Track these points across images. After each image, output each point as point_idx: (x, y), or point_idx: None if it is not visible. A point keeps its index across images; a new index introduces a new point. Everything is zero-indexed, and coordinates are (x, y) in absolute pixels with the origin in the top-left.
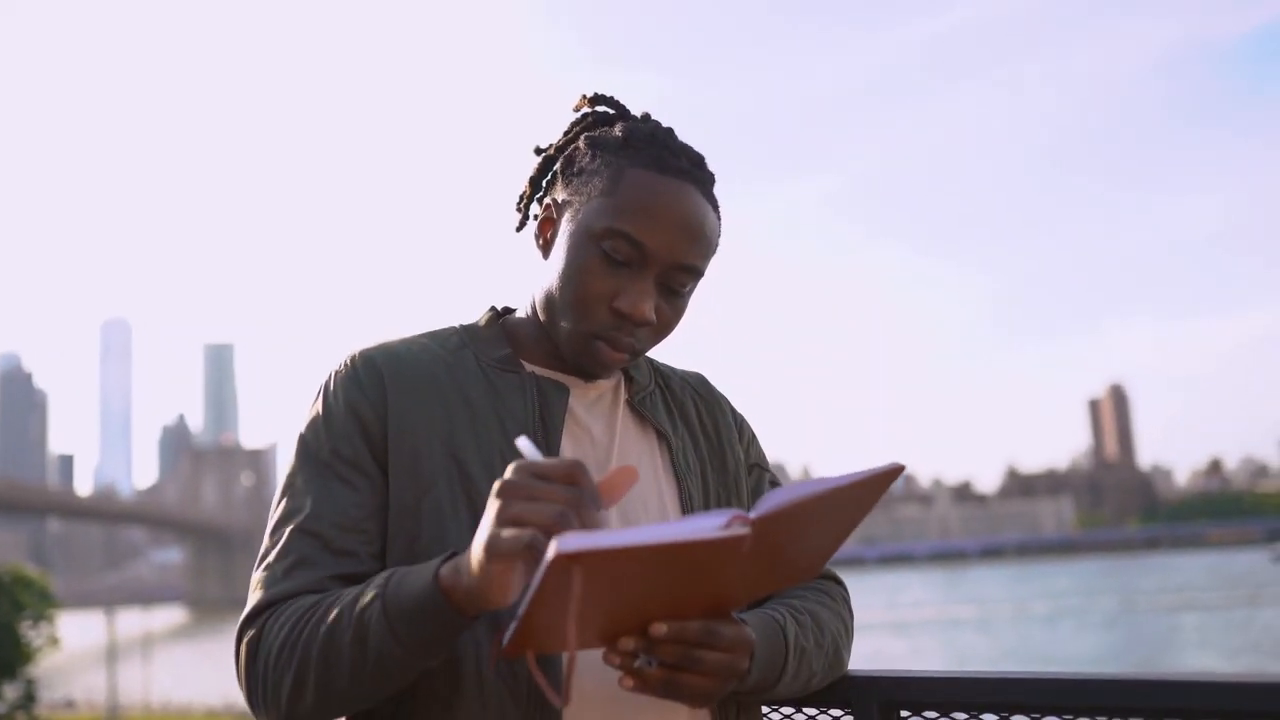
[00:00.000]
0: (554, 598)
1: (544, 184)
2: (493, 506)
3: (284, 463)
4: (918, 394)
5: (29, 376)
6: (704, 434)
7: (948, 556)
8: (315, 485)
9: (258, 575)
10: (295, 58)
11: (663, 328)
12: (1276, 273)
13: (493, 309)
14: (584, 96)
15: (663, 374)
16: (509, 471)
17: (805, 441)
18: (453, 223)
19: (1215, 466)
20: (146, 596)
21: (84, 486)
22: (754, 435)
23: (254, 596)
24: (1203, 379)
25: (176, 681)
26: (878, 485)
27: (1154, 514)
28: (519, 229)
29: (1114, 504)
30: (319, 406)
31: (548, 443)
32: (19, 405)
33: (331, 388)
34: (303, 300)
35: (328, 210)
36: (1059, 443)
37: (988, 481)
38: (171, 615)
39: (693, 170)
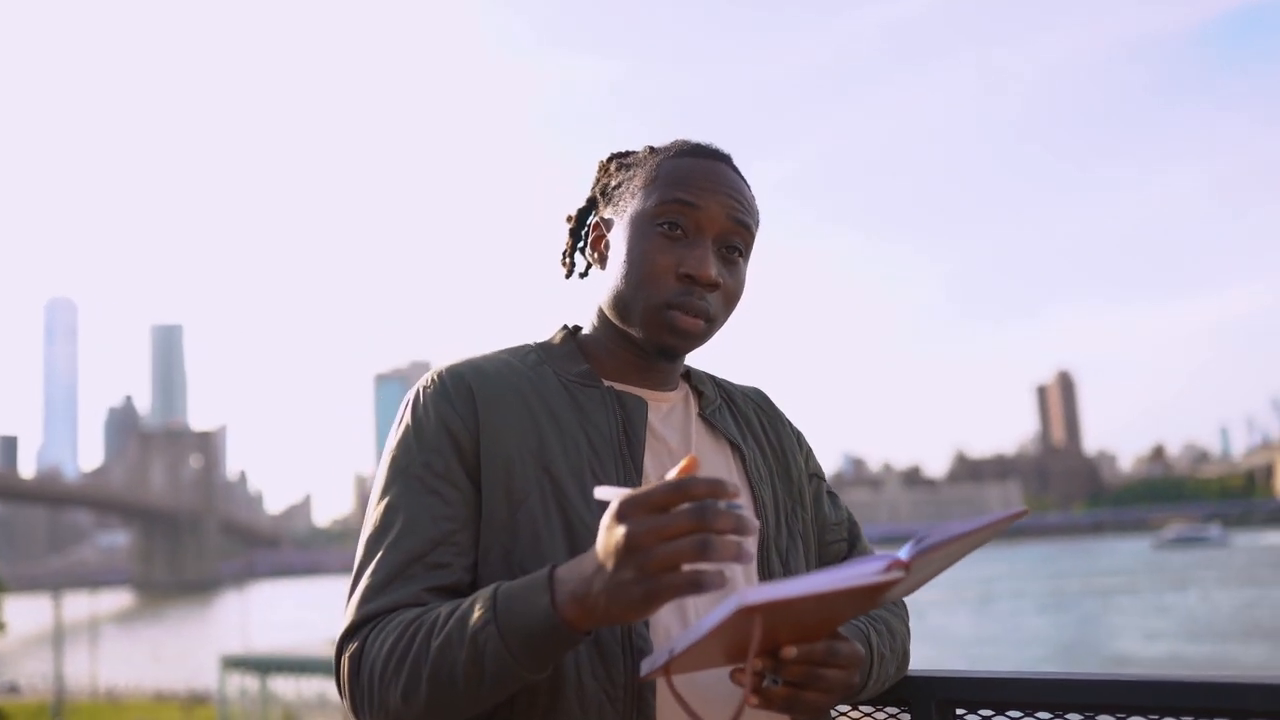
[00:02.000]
0: (724, 635)
1: (581, 233)
2: (631, 557)
3: (375, 476)
4: (869, 378)
5: None
6: (769, 445)
7: (896, 540)
8: (407, 500)
9: (357, 590)
10: (237, 34)
11: (729, 295)
12: (1221, 262)
13: (564, 327)
14: (600, 162)
15: (726, 389)
16: (628, 520)
17: None
18: (398, 203)
19: (1158, 453)
20: (92, 580)
21: (28, 468)
22: (810, 447)
23: (352, 610)
24: (1147, 366)
25: (123, 666)
26: (1003, 526)
27: (1099, 499)
28: (569, 276)
29: (1060, 489)
30: (408, 421)
31: (632, 454)
32: None
33: (421, 403)
34: (254, 282)
35: (277, 191)
36: (1007, 428)
37: (937, 466)
38: (118, 599)
39: (722, 154)
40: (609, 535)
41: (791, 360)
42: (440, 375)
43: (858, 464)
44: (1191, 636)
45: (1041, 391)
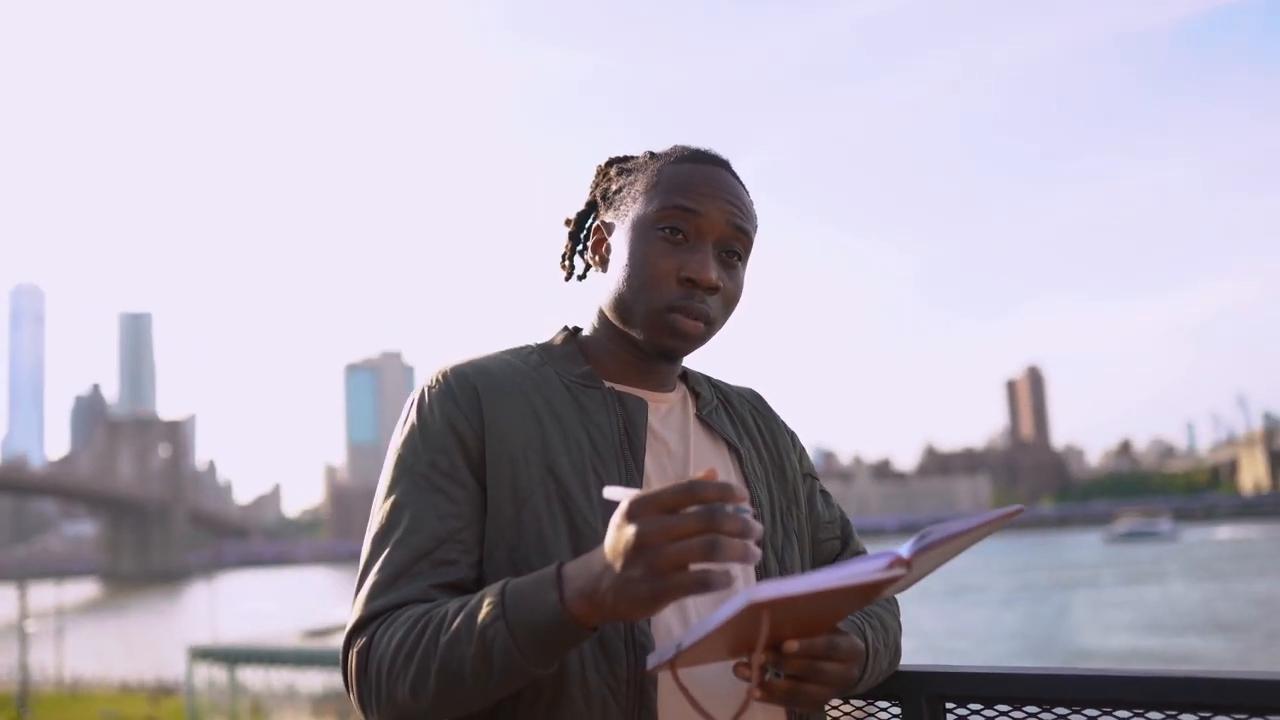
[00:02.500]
0: (731, 631)
1: (580, 236)
2: (641, 555)
3: (382, 473)
4: (840, 371)
5: None
6: (765, 445)
7: (866, 533)
8: (414, 498)
9: (364, 587)
10: (208, 22)
11: (729, 298)
12: (1191, 260)
13: (565, 328)
14: (598, 166)
15: (722, 390)
16: (638, 520)
17: None
18: (371, 193)
19: (1125, 448)
20: (58, 570)
21: None
22: (804, 448)
23: (360, 608)
24: (1116, 362)
25: (89, 657)
26: (1000, 524)
27: (1067, 493)
28: (568, 278)
29: (1029, 483)
30: (413, 420)
31: (633, 454)
32: None
33: (427, 402)
34: (224, 271)
35: (249, 180)
36: (977, 422)
37: (907, 460)
38: (84, 589)
39: (721, 160)
40: (619, 534)
41: (762, 352)
42: (445, 375)
43: (828, 456)
44: (1152, 630)
45: (1011, 386)
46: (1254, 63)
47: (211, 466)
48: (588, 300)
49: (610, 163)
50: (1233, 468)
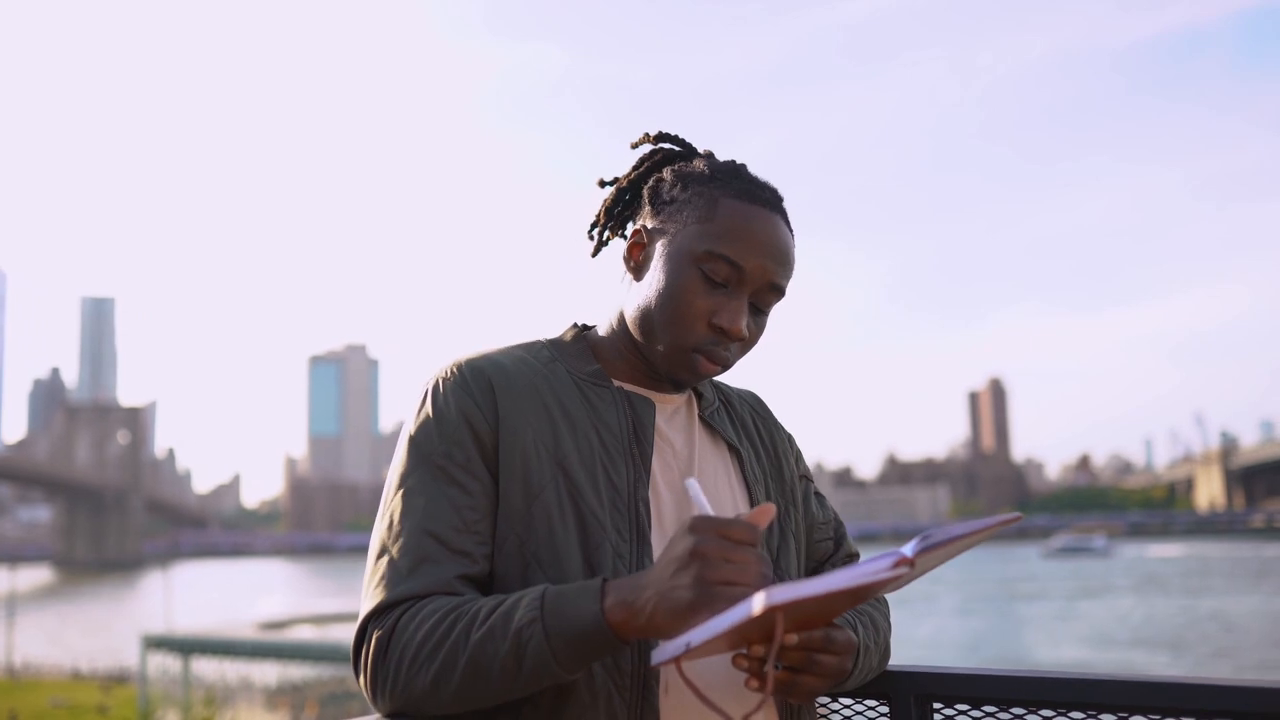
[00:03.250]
0: (742, 630)
1: (615, 212)
2: (693, 565)
3: (394, 460)
4: (804, 376)
5: None
6: (764, 447)
7: None
8: (430, 486)
9: (380, 570)
10: (172, 11)
11: (750, 343)
12: (1157, 275)
13: (575, 325)
14: (646, 134)
15: (724, 392)
16: (699, 534)
17: None
18: (338, 185)
19: (1084, 462)
20: (11, 555)
21: None
22: (800, 450)
23: (379, 591)
24: (1078, 375)
25: (42, 643)
26: (996, 529)
27: (1026, 505)
28: (594, 255)
29: (988, 495)
30: (429, 410)
31: (641, 453)
32: None
33: (442, 392)
34: (189, 258)
35: (216, 168)
36: (939, 433)
37: (868, 468)
38: (37, 575)
39: (776, 202)
40: (676, 543)
41: None
42: (460, 368)
43: None
44: (1100, 643)
45: (973, 398)
46: (1229, 77)
47: (171, 454)
48: (559, 296)
49: (662, 152)
50: (1189, 485)
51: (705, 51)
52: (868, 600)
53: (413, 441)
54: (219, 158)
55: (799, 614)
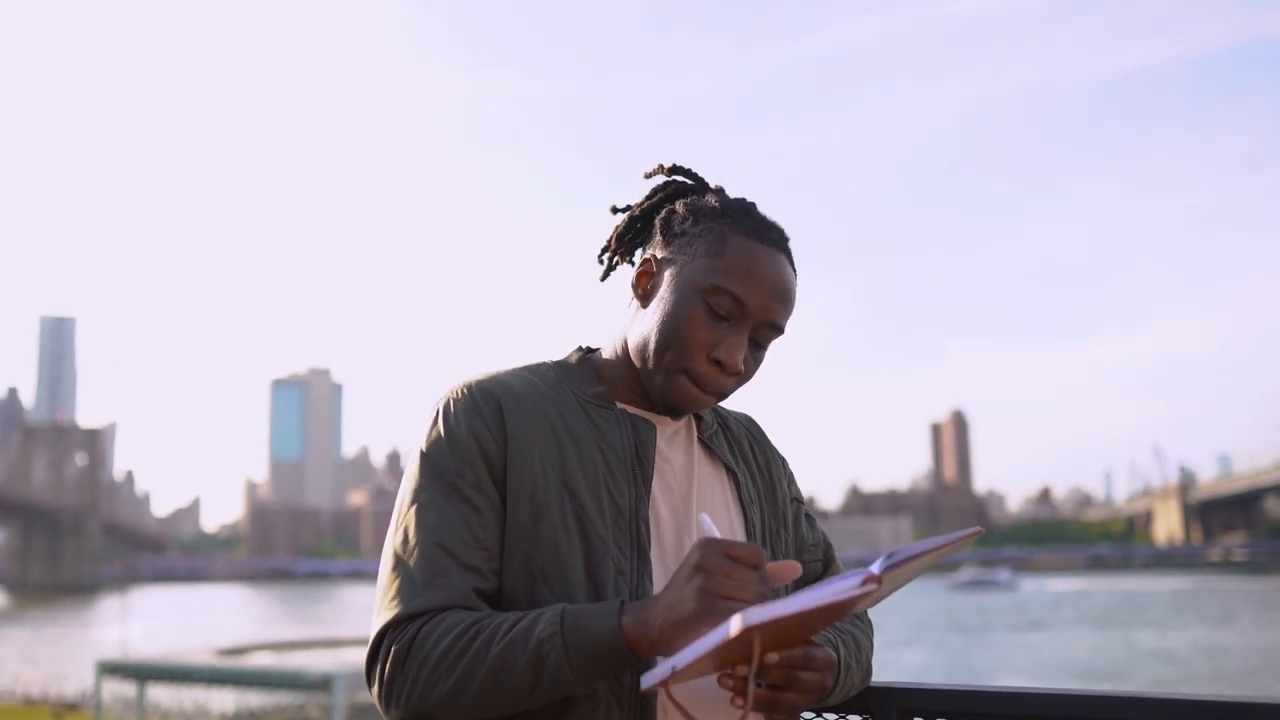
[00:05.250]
0: (719, 652)
1: (626, 240)
2: (697, 577)
3: (405, 476)
4: (767, 407)
5: None
6: (759, 470)
7: None
8: (443, 503)
9: (396, 583)
10: (138, 28)
11: (746, 376)
12: (1117, 309)
13: (579, 348)
14: (660, 165)
15: (721, 415)
16: (705, 550)
17: None
18: (302, 208)
19: (1045, 495)
20: None
21: None
22: (793, 473)
23: (396, 604)
24: (1039, 407)
25: None
26: (960, 544)
27: (987, 538)
28: (603, 279)
29: (950, 525)
30: (440, 429)
31: (642, 474)
32: None
33: (453, 412)
34: (150, 278)
35: (179, 188)
36: (901, 464)
37: (830, 498)
38: None
39: (782, 242)
40: (685, 560)
41: None
42: (470, 388)
43: None
44: (1046, 676)
45: (936, 429)
46: (1194, 111)
47: (130, 477)
48: (524, 318)
49: (675, 184)
50: (1148, 518)
51: (673, 77)
52: (842, 618)
53: (425, 458)
54: (182, 177)
55: (778, 633)
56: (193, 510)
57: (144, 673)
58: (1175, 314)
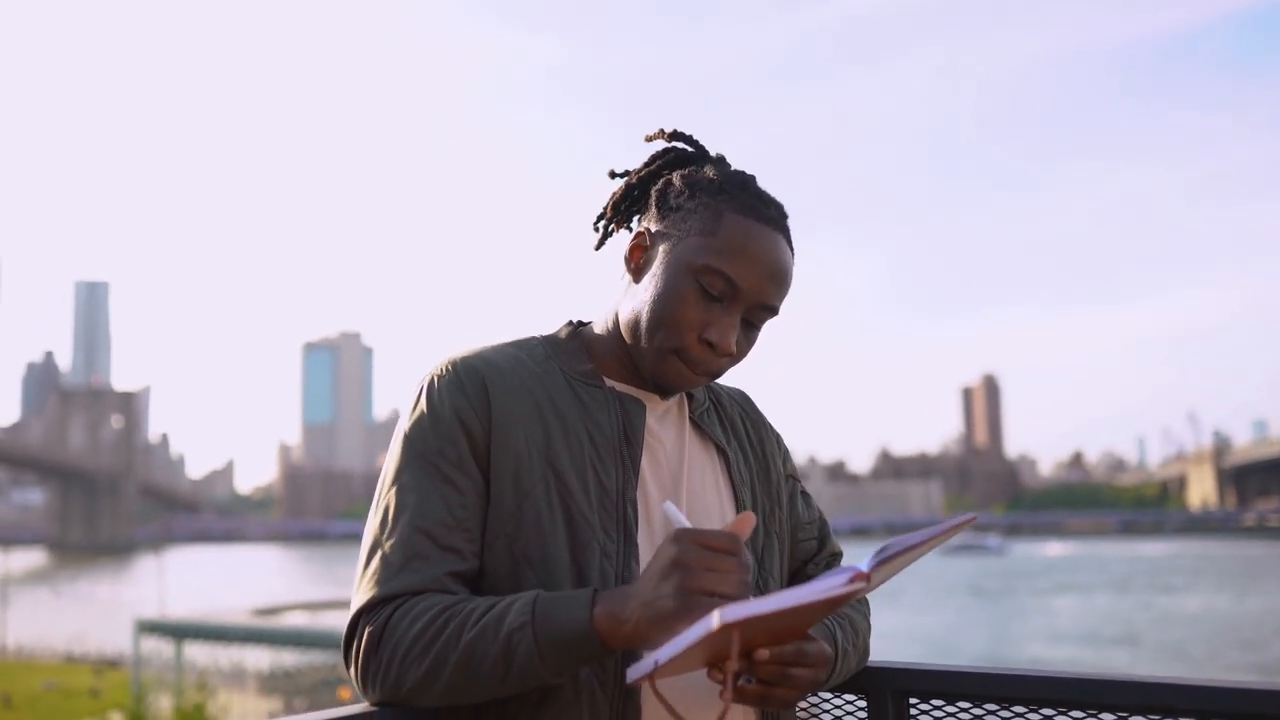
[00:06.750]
0: (705, 645)
1: (623, 208)
2: (674, 574)
3: (388, 456)
4: (798, 370)
5: None
6: (751, 448)
7: None
8: (423, 483)
9: (373, 565)
10: (170, 1)
11: (738, 357)
12: (1153, 274)
13: (570, 323)
14: (661, 130)
15: (714, 391)
16: (681, 544)
17: None
18: (333, 173)
19: (1077, 459)
20: (4, 539)
21: None
22: (788, 450)
23: (371, 586)
24: (1072, 372)
25: (34, 626)
26: (953, 533)
27: (1018, 502)
28: (598, 248)
29: (981, 490)
30: (423, 407)
31: (631, 454)
32: None
33: (436, 389)
34: (184, 243)
35: (213, 154)
36: (932, 428)
37: (861, 462)
38: (30, 558)
39: (780, 220)
40: (659, 554)
41: None
42: (454, 365)
43: None
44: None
45: (967, 393)
46: (1222, 78)
47: (164, 439)
48: (554, 285)
49: (674, 151)
50: (1181, 484)
51: (704, 44)
52: (832, 613)
53: (407, 438)
54: (215, 144)
55: (767, 628)
56: (226, 472)
57: (181, 631)
58: (1210, 279)
